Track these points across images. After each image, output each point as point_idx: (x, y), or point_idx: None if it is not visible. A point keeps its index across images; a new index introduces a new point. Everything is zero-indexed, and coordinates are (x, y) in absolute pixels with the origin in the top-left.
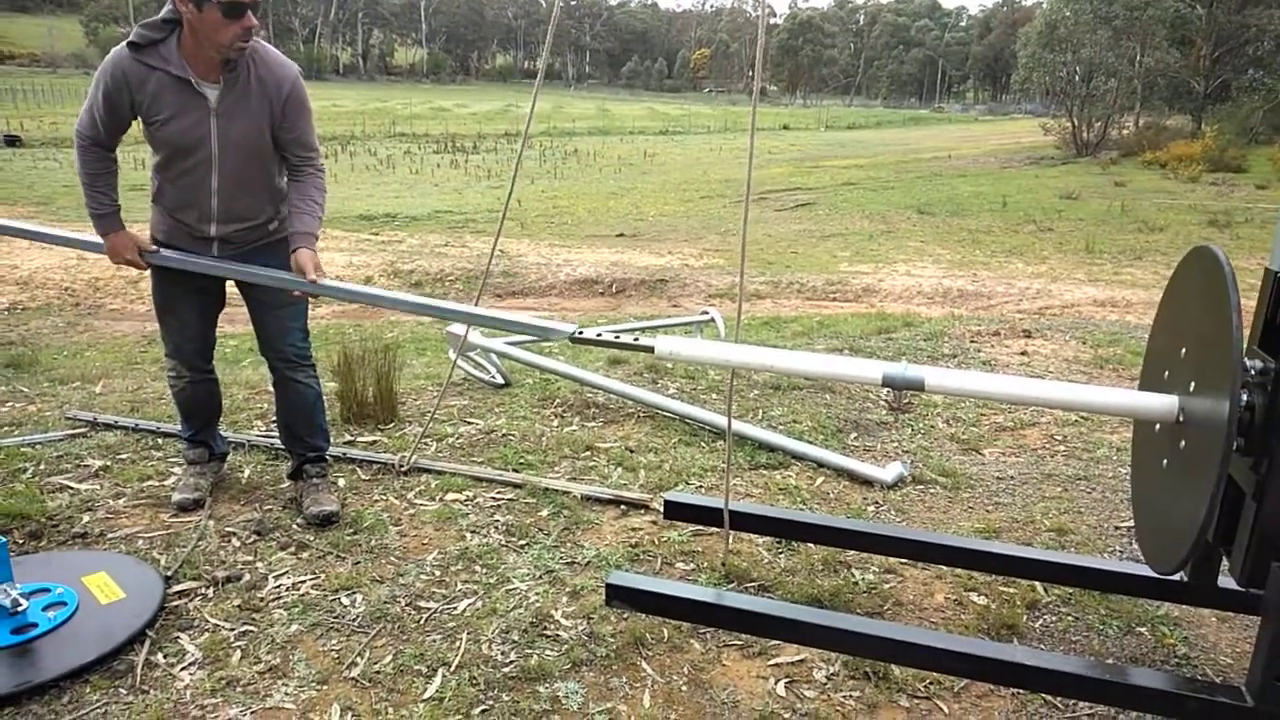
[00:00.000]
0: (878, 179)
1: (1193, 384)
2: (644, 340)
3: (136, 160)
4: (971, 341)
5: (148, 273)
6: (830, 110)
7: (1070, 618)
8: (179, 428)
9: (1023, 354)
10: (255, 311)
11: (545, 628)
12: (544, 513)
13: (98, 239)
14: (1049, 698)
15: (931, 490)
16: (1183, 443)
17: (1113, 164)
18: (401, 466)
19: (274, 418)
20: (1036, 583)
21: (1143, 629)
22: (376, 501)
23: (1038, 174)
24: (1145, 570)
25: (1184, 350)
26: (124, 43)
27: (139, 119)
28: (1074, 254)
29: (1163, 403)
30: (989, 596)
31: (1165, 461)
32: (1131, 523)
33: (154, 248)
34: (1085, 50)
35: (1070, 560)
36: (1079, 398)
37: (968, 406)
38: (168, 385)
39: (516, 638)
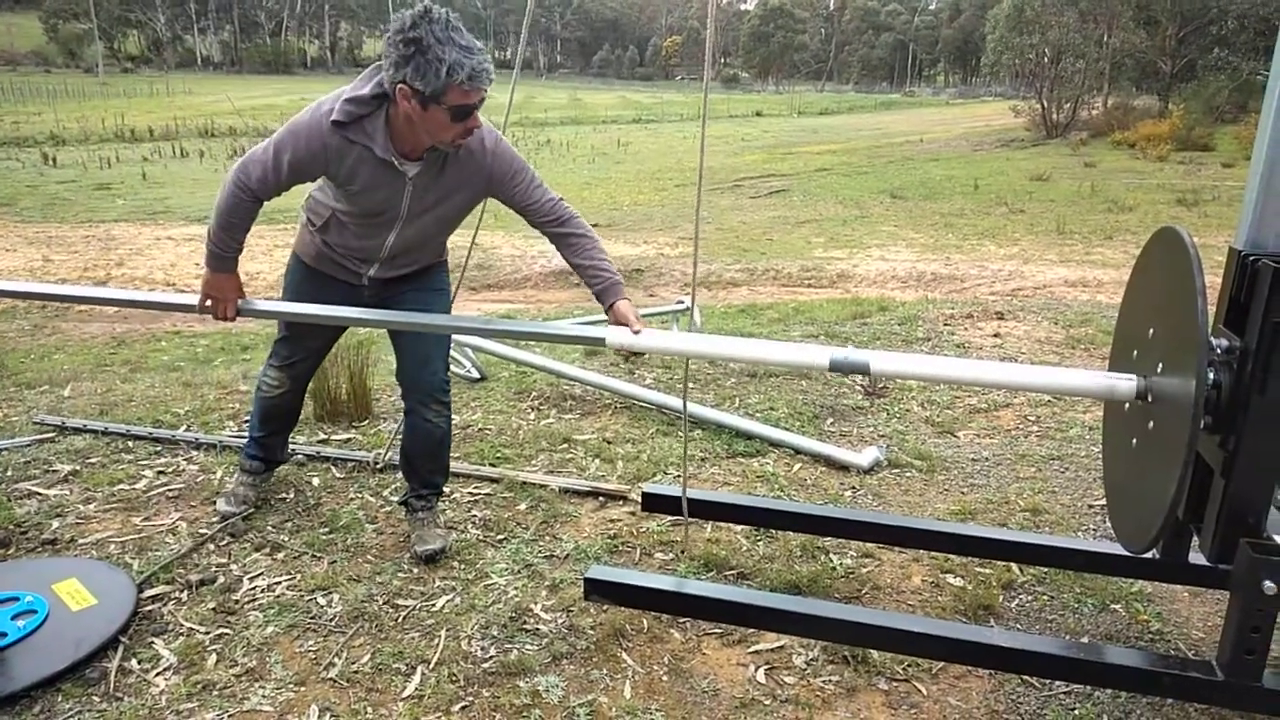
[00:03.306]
0: (851, 164)
1: (1160, 364)
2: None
3: (104, 159)
4: (945, 324)
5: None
6: (803, 96)
7: (1046, 597)
8: (249, 434)
9: (995, 336)
10: (395, 336)
11: (525, 622)
12: (522, 506)
13: (182, 299)
14: (1026, 677)
15: (907, 474)
16: (1151, 422)
17: (1082, 145)
18: (377, 464)
19: (245, 417)
20: (1012, 563)
21: (1117, 606)
22: (352, 500)
23: (1009, 156)
24: (1118, 549)
25: (1151, 331)
26: (329, 118)
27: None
28: (1045, 235)
29: (1131, 383)
30: (965, 578)
31: (1135, 441)
32: (1104, 501)
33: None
34: (1053, 32)
35: (1045, 540)
36: (1050, 380)
37: (942, 390)
38: (258, 389)
39: (496, 633)
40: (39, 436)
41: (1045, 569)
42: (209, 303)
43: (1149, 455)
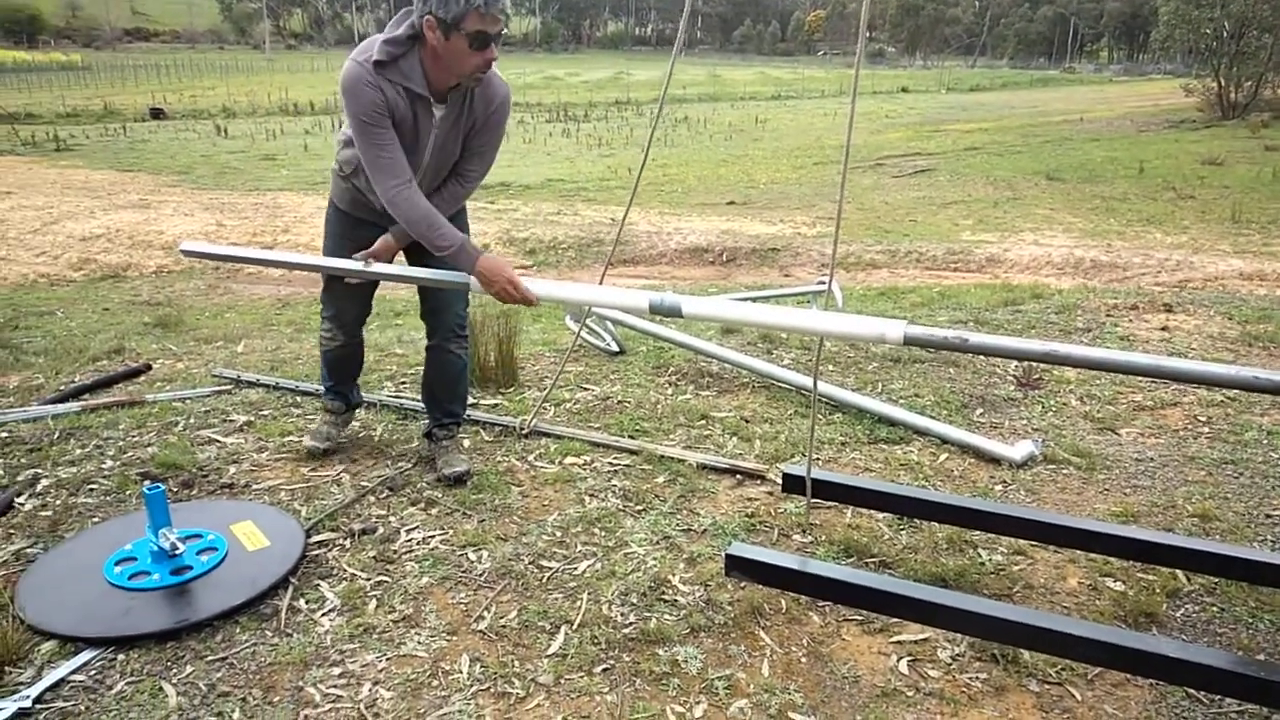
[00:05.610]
0: (1003, 143)
1: None
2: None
3: (269, 131)
4: (1107, 315)
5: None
6: (952, 72)
7: (1215, 608)
8: (321, 381)
9: (1163, 329)
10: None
11: (663, 592)
12: (660, 479)
13: (452, 274)
14: (1192, 691)
15: (1064, 470)
16: None
17: (1263, 127)
18: (522, 430)
19: (402, 379)
20: (1178, 570)
21: None
22: (499, 463)
23: (1178, 138)
24: None
25: None
26: (370, 61)
27: None
28: (1218, 223)
29: None
30: (1126, 583)
31: None
32: None
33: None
34: (1236, 4)
35: (1215, 548)
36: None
37: (1103, 384)
38: (319, 344)
39: (635, 600)
40: (217, 388)
41: (1215, 579)
42: (506, 289)
43: None
